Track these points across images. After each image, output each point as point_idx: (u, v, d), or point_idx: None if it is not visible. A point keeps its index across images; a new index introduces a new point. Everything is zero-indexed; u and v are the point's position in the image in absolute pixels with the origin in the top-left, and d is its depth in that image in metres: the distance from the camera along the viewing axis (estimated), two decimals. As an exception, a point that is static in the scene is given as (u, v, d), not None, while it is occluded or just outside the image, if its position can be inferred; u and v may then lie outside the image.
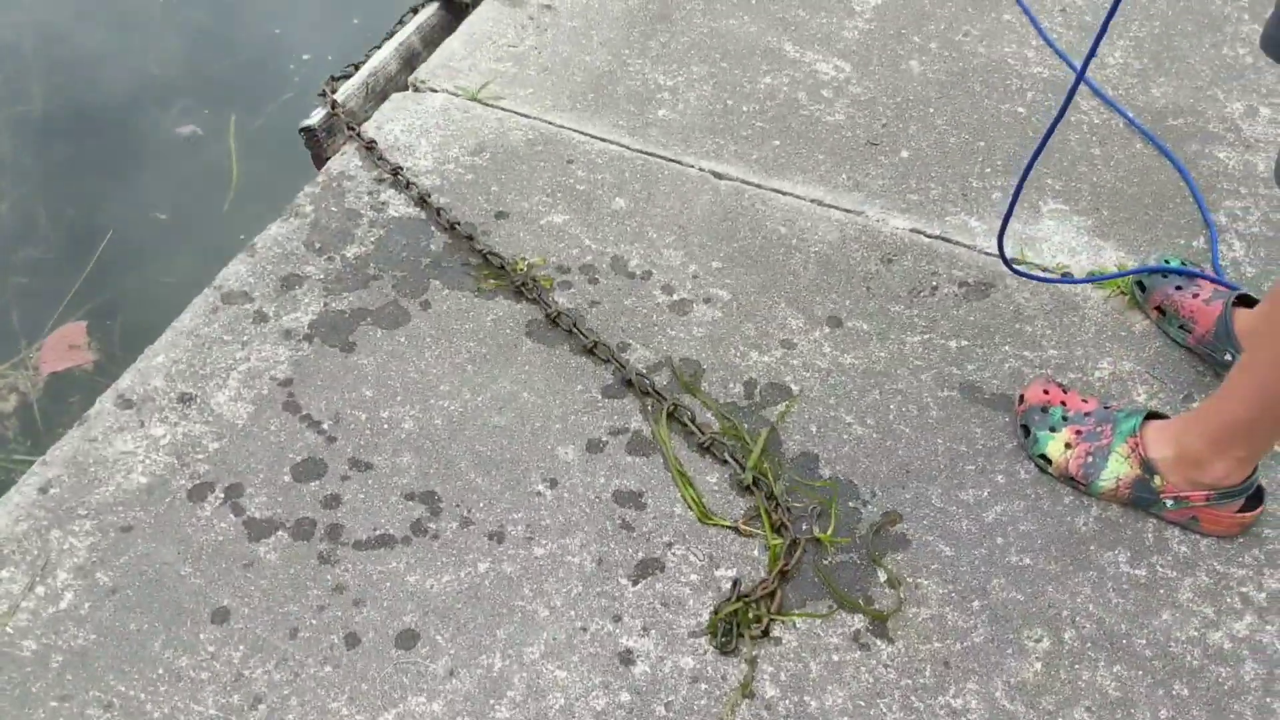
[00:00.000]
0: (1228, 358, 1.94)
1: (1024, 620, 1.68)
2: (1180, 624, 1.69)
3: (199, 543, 1.73)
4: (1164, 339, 2.07)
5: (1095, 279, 2.15)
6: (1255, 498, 1.76)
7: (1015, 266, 2.05)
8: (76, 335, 2.72)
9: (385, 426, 1.88)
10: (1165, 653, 1.66)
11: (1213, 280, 2.06)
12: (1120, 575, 1.74)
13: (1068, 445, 1.82)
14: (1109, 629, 1.68)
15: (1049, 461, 1.83)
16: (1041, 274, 2.15)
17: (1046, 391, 1.90)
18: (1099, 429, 1.82)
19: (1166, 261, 2.11)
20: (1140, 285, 2.12)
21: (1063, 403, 1.88)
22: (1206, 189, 2.37)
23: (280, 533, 1.74)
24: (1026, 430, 1.87)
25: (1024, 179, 1.75)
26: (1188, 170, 2.40)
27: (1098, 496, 1.81)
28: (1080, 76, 1.57)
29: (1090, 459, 1.79)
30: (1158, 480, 1.75)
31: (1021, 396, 1.92)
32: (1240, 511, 1.75)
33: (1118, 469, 1.77)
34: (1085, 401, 1.88)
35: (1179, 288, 2.05)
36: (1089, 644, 1.66)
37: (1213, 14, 2.85)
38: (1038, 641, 1.66)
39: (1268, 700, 1.61)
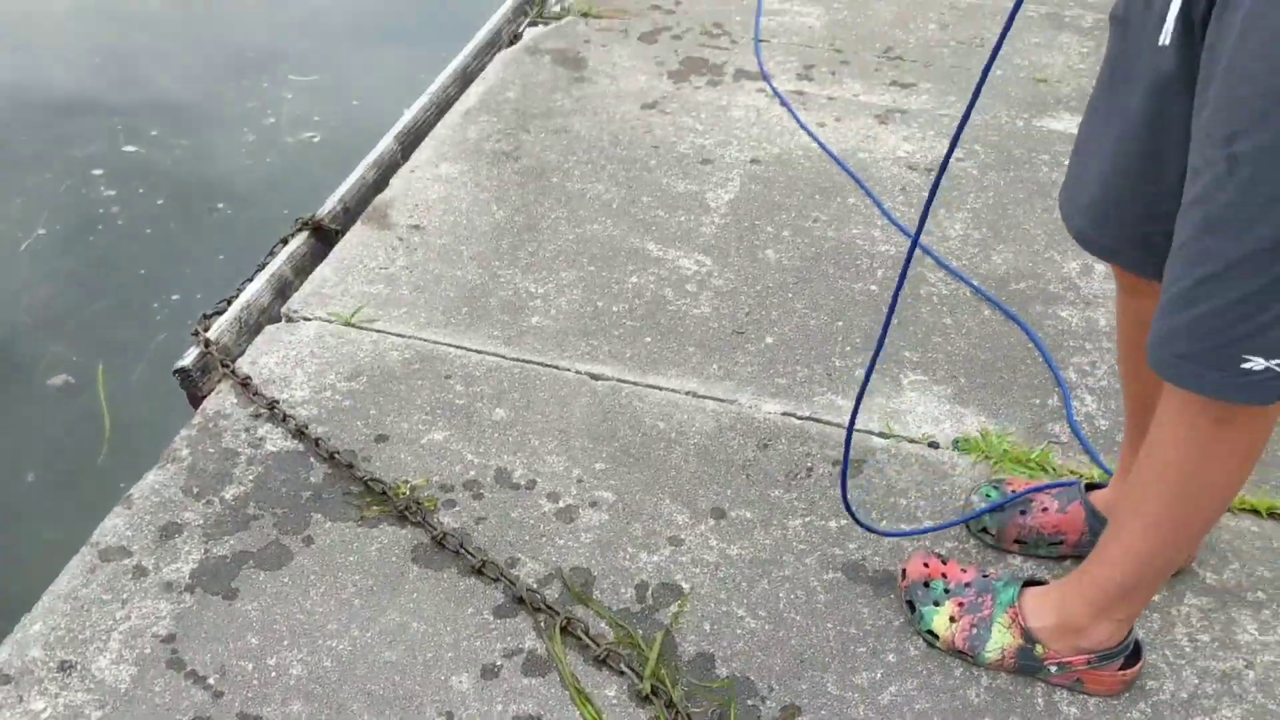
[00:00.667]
0: None
1: (929, 804, 1.69)
2: (1079, 789, 1.72)
3: (83, 823, 1.66)
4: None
5: (926, 530, 2.09)
6: (1135, 653, 1.82)
7: (863, 521, 2.04)
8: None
9: (273, 674, 1.84)
10: (1069, 820, 1.68)
11: (1041, 488, 2.08)
12: (1016, 745, 1.77)
13: (952, 619, 1.86)
14: (1011, 803, 1.70)
15: (936, 637, 1.87)
16: (887, 530, 2.09)
17: (926, 564, 1.95)
18: (980, 599, 1.87)
19: (987, 496, 2.09)
20: (984, 530, 2.08)
21: (943, 575, 1.93)
22: (1054, 348, 2.51)
23: (169, 801, 1.68)
24: (912, 606, 1.92)
25: (865, 384, 1.82)
26: (1034, 332, 2.54)
27: (985, 667, 1.85)
28: (914, 243, 1.65)
29: (974, 631, 1.84)
30: (1039, 649, 1.79)
31: (904, 571, 1.96)
32: (1122, 669, 1.80)
33: (1001, 640, 1.82)
34: (964, 571, 1.94)
35: (1023, 512, 2.05)
36: (994, 821, 1.67)
37: (1041, 181, 3.06)
38: (944, 825, 1.67)
39: None
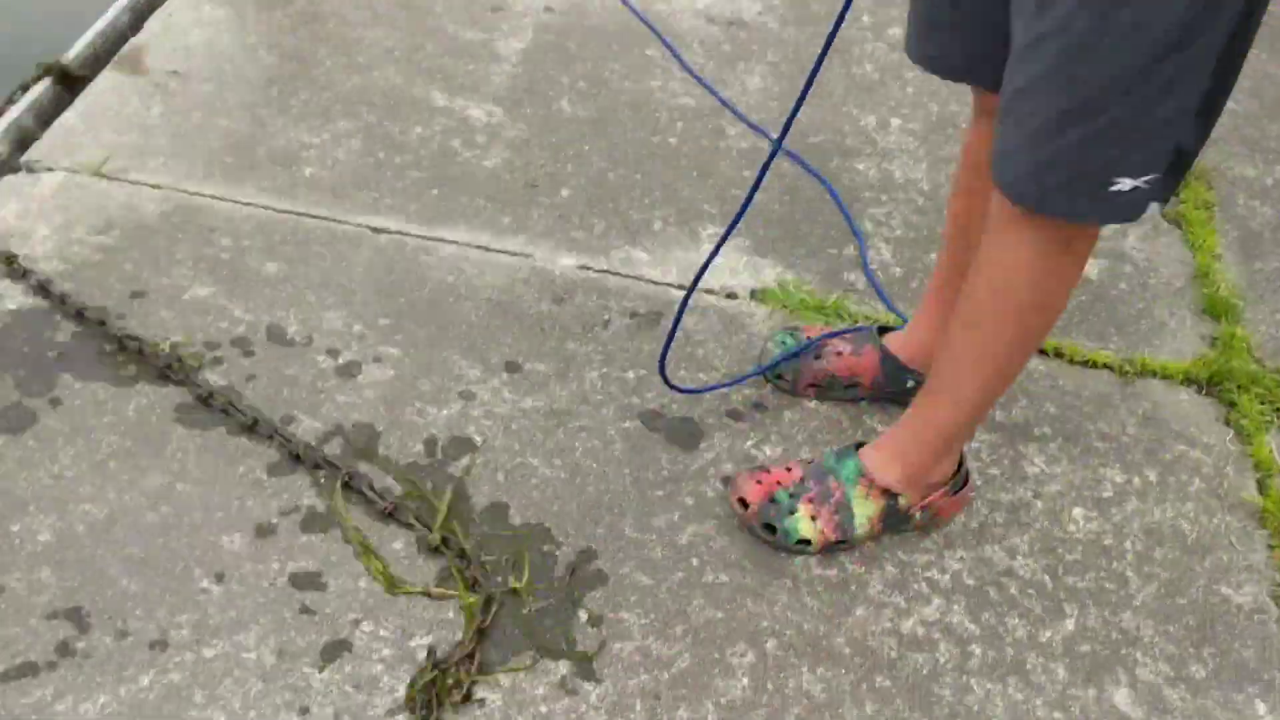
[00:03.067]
0: (910, 384, 1.97)
1: (727, 637, 1.66)
2: (874, 617, 1.72)
3: None
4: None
5: (727, 384, 2.04)
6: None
7: (675, 384, 1.97)
8: None
9: (17, 542, 1.66)
10: (864, 648, 1.68)
11: (834, 334, 2.05)
12: (813, 578, 1.76)
13: (813, 518, 1.77)
14: (808, 633, 1.68)
15: (809, 543, 1.77)
16: (691, 387, 2.02)
17: (760, 482, 1.83)
18: (824, 486, 1.79)
19: (783, 343, 2.06)
20: (780, 378, 2.05)
21: (778, 483, 1.81)
22: (851, 199, 2.48)
23: (-108, 684, 1.49)
24: (771, 528, 1.78)
25: (717, 248, 1.78)
26: (832, 184, 2.51)
27: (859, 543, 1.81)
28: (778, 146, 1.63)
29: (838, 516, 1.77)
30: (903, 500, 1.77)
31: (743, 500, 1.81)
32: (961, 491, 1.83)
33: (865, 510, 1.77)
34: (789, 470, 1.84)
35: (817, 357, 2.02)
36: (791, 650, 1.66)
37: (841, 37, 3.01)
38: (742, 656, 1.64)
39: (964, 678, 1.66)
